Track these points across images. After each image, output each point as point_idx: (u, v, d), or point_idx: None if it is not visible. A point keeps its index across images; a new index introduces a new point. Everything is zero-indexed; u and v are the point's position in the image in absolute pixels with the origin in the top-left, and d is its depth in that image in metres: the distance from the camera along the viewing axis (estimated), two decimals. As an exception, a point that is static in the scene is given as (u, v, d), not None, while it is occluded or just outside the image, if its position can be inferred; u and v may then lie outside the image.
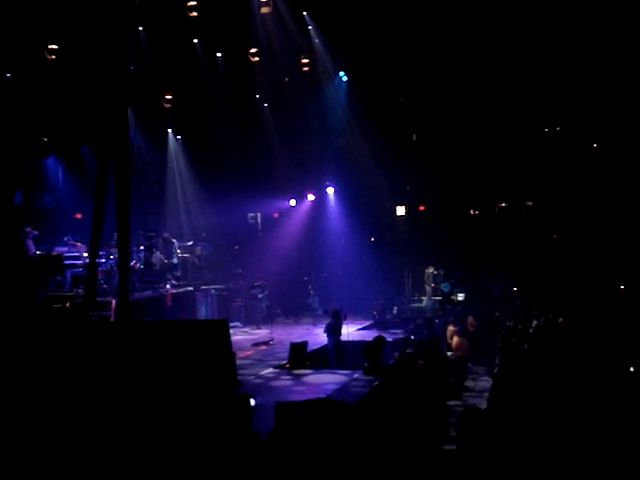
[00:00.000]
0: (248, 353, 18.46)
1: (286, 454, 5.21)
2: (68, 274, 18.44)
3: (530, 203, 28.43)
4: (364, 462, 4.86)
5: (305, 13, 23.77)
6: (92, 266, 14.33)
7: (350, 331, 18.81)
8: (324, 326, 17.90)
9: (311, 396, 12.83)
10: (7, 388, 7.54)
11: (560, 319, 16.42)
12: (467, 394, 13.95)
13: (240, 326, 23.03)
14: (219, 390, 8.07)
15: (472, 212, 29.22)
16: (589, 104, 24.74)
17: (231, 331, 10.89)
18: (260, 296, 23.67)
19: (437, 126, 26.74)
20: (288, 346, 16.97)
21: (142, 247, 21.17)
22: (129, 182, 13.61)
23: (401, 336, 18.82)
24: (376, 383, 13.13)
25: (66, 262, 18.27)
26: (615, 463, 5.52)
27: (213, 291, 22.98)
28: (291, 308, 26.15)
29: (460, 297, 25.15)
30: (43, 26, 19.21)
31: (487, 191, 28.36)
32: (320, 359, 17.07)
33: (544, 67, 23.67)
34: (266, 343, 19.89)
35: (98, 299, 15.60)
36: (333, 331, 17.35)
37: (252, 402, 7.93)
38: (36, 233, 18.67)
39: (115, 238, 16.19)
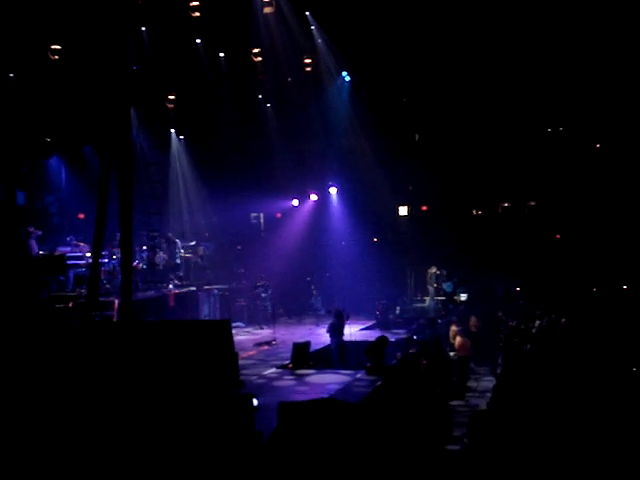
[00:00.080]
0: (251, 353, 18.47)
1: (289, 454, 5.21)
2: (71, 274, 18.46)
3: (533, 203, 28.41)
4: (367, 462, 4.86)
5: (308, 13, 23.77)
6: (95, 266, 14.35)
7: (353, 331, 18.81)
8: (327, 326, 17.89)
9: (314, 396, 12.83)
10: (10, 388, 7.55)
11: (563, 319, 16.40)
12: (470, 394, 13.93)
13: (243, 326, 23.04)
14: (222, 390, 8.07)
15: (475, 212, 29.20)
16: (592, 104, 24.72)
17: (234, 331, 10.89)
18: (263, 295, 23.66)
19: (439, 126, 26.72)
20: (291, 346, 16.97)
21: (145, 247, 21.19)
22: (132, 182, 13.62)
23: (404, 336, 18.81)
24: (379, 383, 13.11)
25: (69, 262, 18.29)
26: (618, 463, 5.52)
27: (216, 291, 23.00)
28: (294, 308, 26.16)
29: (463, 297, 25.12)
30: (46, 26, 19.22)
31: (490, 191, 28.34)
32: (323, 359, 17.07)
33: (547, 67, 23.65)
34: (269, 343, 19.89)
35: (101, 299, 15.60)
36: (336, 331, 17.35)
37: (255, 402, 7.93)
38: (39, 233, 18.69)
39: (118, 238, 16.23)
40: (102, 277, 18.31)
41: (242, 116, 26.27)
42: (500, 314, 18.23)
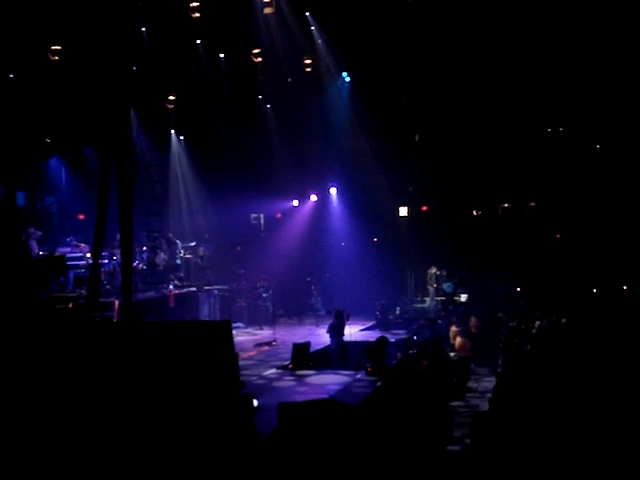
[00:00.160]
0: (251, 354, 18.47)
1: (288, 454, 5.21)
2: (71, 275, 18.45)
3: (533, 204, 28.42)
4: (367, 463, 4.86)
5: (308, 14, 23.77)
6: (95, 267, 14.35)
7: (353, 332, 18.81)
8: (327, 326, 17.89)
9: (314, 397, 12.84)
10: (10, 389, 7.55)
11: (563, 320, 16.39)
12: (470, 395, 13.93)
13: (243, 327, 23.03)
14: (222, 391, 8.07)
15: (475, 213, 29.21)
16: (592, 105, 24.72)
17: (234, 332, 10.89)
18: (264, 296, 23.61)
19: (440, 127, 26.72)
20: (291, 347, 16.97)
21: (145, 248, 21.19)
22: (132, 183, 13.61)
23: (404, 337, 18.82)
24: (379, 384, 13.12)
25: (69, 263, 18.27)
26: (618, 463, 5.52)
27: (216, 292, 22.98)
28: (294, 308, 26.16)
29: (463, 298, 25.13)
30: (46, 27, 19.23)
31: (490, 192, 28.36)
32: (323, 360, 17.07)
33: (547, 68, 23.65)
34: (269, 344, 19.89)
35: (101, 300, 15.58)
36: (336, 332, 17.35)
37: (255, 403, 7.93)
38: (39, 234, 18.68)
39: (118, 239, 16.21)
40: (102, 278, 18.30)
41: (242, 117, 26.27)
42: (500, 315, 18.23)
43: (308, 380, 15.41)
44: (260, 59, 23.90)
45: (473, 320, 16.62)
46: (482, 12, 22.45)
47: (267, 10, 22.02)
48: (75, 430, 7.09)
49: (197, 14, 20.43)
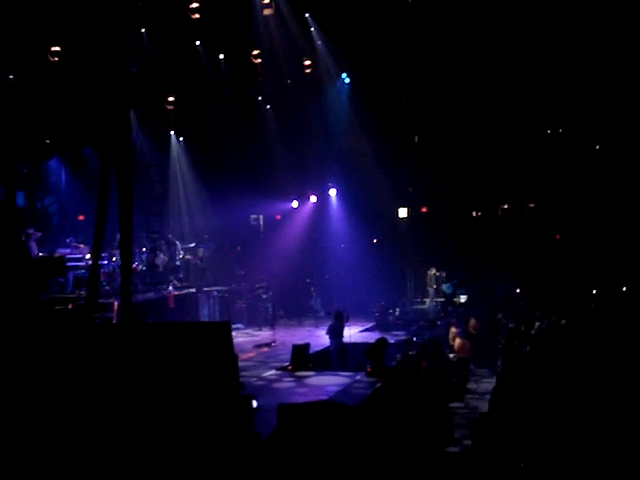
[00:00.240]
0: (250, 355, 18.47)
1: (288, 456, 5.20)
2: (70, 276, 18.46)
3: (532, 205, 28.43)
4: (367, 464, 4.86)
5: (307, 15, 23.78)
6: (94, 268, 14.33)
7: (352, 333, 18.81)
8: (326, 328, 17.88)
9: (313, 398, 12.84)
10: (9, 390, 7.54)
11: (563, 321, 16.39)
12: (469, 396, 13.93)
13: (242, 328, 23.03)
14: (221, 392, 8.07)
15: (474, 214, 29.20)
16: (591, 106, 24.73)
17: (233, 333, 10.89)
18: (264, 297, 23.56)
19: (439, 128, 26.72)
20: (290, 348, 16.97)
21: (144, 249, 21.19)
22: (132, 183, 13.62)
23: (403, 338, 18.81)
24: (378, 385, 13.11)
25: (69, 264, 18.28)
26: (617, 464, 5.52)
27: (215, 293, 22.97)
28: (293, 310, 26.16)
29: (462, 299, 25.13)
30: (46, 28, 19.23)
31: (489, 193, 28.36)
32: (322, 361, 17.07)
33: (546, 69, 23.66)
34: (268, 345, 19.89)
35: (100, 301, 15.58)
36: (335, 333, 17.34)
37: (254, 404, 7.92)
38: (39, 235, 18.69)
39: (118, 239, 16.21)
40: (102, 279, 18.31)
41: (242, 118, 26.27)
42: (500, 316, 18.21)
43: (308, 381, 15.42)
44: (260, 60, 23.91)
45: (472, 321, 16.63)
46: (482, 13, 22.46)
47: (267, 11, 22.04)
48: (75, 431, 7.09)
49: (197, 15, 20.45)
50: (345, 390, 14.35)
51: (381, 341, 16.09)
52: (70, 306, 16.27)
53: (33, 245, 17.95)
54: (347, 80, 26.64)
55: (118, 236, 15.50)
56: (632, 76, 22.62)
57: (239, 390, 10.95)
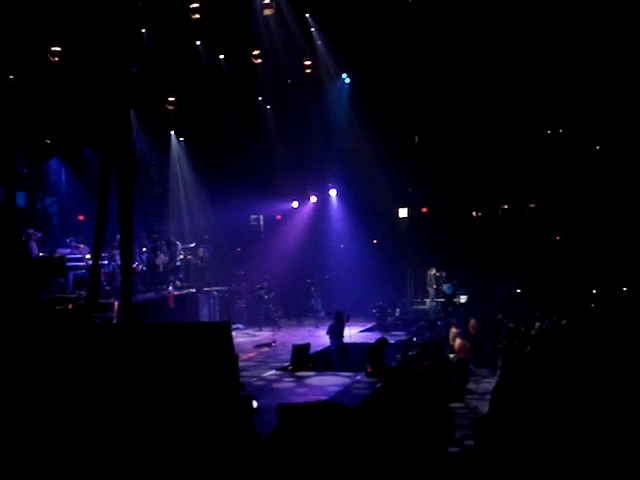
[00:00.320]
0: (250, 355, 18.47)
1: (287, 456, 5.20)
2: (71, 276, 18.46)
3: (532, 205, 28.42)
4: (367, 465, 4.86)
5: (308, 15, 23.79)
6: (95, 268, 14.33)
7: (352, 333, 18.82)
8: (326, 328, 17.88)
9: (313, 398, 12.84)
10: (9, 390, 7.54)
11: (564, 321, 16.39)
12: (469, 396, 13.92)
13: (242, 328, 23.04)
14: (221, 392, 8.06)
15: (474, 214, 29.20)
16: (592, 106, 24.72)
17: (233, 333, 10.89)
18: (266, 297, 23.48)
19: (439, 128, 26.72)
20: (290, 348, 16.96)
21: (144, 249, 21.20)
22: (132, 184, 13.61)
23: (403, 338, 18.81)
24: (378, 385, 13.11)
25: (69, 264, 18.28)
26: (618, 465, 5.51)
27: (215, 293, 22.98)
28: (293, 310, 26.16)
29: (462, 299, 25.13)
30: (46, 28, 19.23)
31: (489, 193, 28.35)
32: (322, 361, 17.07)
33: (547, 69, 23.66)
34: (268, 345, 19.88)
35: (101, 301, 15.58)
36: (335, 333, 17.34)
37: (254, 404, 7.92)
38: (39, 235, 18.68)
39: (118, 240, 16.20)
40: (102, 279, 18.31)
41: (242, 118, 26.28)
42: (500, 316, 18.21)
43: (308, 381, 15.41)
44: (260, 60, 23.91)
45: (472, 322, 16.64)
46: (482, 14, 22.45)
47: (267, 11, 22.04)
48: (75, 431, 7.09)
49: (197, 15, 20.45)
50: (345, 390, 14.34)
51: (381, 341, 16.09)
52: (70, 306, 16.27)
53: (33, 245, 17.94)
54: (347, 80, 26.67)
55: (118, 236, 15.50)
56: (632, 76, 22.61)
57: (239, 390, 10.94)
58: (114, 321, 16.28)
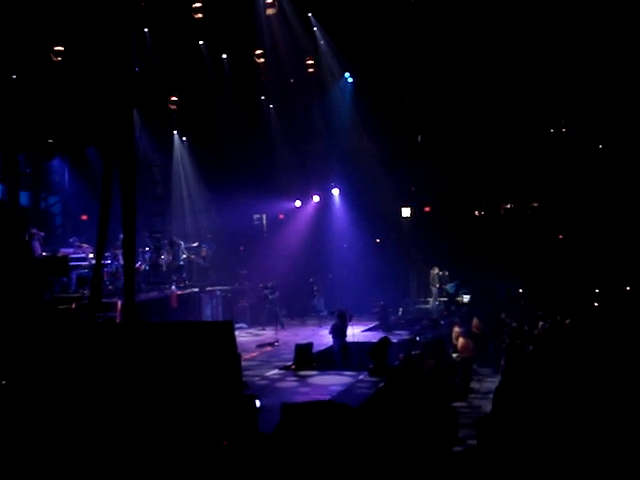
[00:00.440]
0: (253, 354, 18.46)
1: (289, 455, 5.20)
2: (74, 275, 18.49)
3: (536, 204, 28.38)
4: (371, 464, 4.86)
5: (310, 14, 23.77)
6: (98, 267, 14.36)
7: (355, 332, 18.80)
8: (329, 327, 17.88)
9: (316, 397, 12.84)
10: (14, 388, 7.56)
11: (567, 320, 16.37)
12: (472, 395, 13.90)
13: (245, 327, 23.02)
14: (224, 391, 8.07)
15: (477, 213, 29.17)
16: (595, 105, 24.69)
17: (236, 332, 10.89)
18: (271, 297, 23.37)
19: (442, 127, 26.69)
20: (293, 347, 16.96)
21: (147, 248, 21.22)
22: (134, 183, 13.63)
23: (406, 337, 18.80)
24: (381, 384, 13.11)
25: (72, 263, 18.32)
26: (621, 464, 5.50)
27: (218, 292, 22.98)
28: (296, 309, 26.14)
29: (465, 298, 25.10)
30: (48, 28, 19.25)
31: (492, 192, 28.31)
32: (325, 360, 17.06)
33: (550, 67, 23.63)
34: (271, 344, 19.87)
35: (103, 300, 15.62)
36: (338, 332, 17.34)
37: (257, 403, 7.92)
38: (42, 234, 18.74)
39: (121, 239, 16.23)
40: (105, 278, 18.35)
41: (245, 117, 26.27)
42: (503, 315, 18.21)
43: (311, 381, 15.40)
44: (263, 60, 23.91)
45: (475, 322, 16.62)
46: (485, 12, 22.43)
47: (269, 11, 22.02)
48: (79, 429, 7.10)
49: (200, 15, 20.42)
50: (348, 389, 14.33)
51: (384, 341, 16.09)
52: (73, 306, 16.28)
53: (36, 245, 17.99)
54: (350, 79, 26.65)
55: (121, 236, 15.53)
56: (635, 75, 22.57)
57: (242, 389, 10.97)
58: (117, 320, 16.30)
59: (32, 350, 8.29)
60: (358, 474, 4.86)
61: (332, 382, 15.09)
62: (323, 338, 19.11)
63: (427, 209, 28.85)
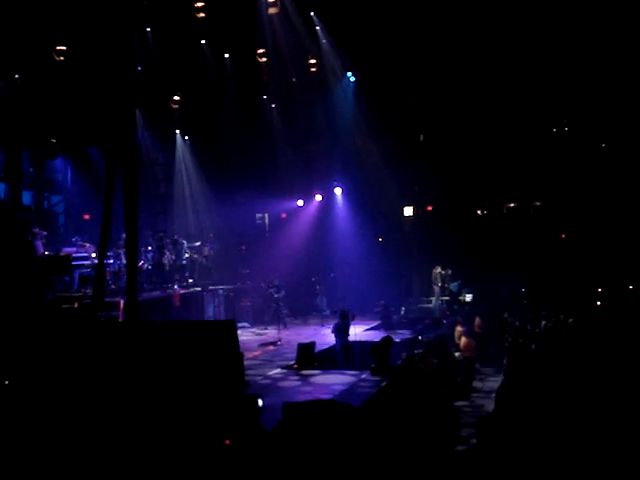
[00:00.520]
0: (256, 353, 18.47)
1: (288, 455, 5.19)
2: (76, 274, 18.51)
3: (538, 203, 28.35)
4: (373, 464, 4.85)
5: (312, 14, 23.75)
6: (100, 267, 14.36)
7: (358, 332, 18.81)
8: (332, 326, 17.90)
9: (318, 396, 12.85)
10: (16, 388, 7.57)
11: (570, 319, 16.36)
12: (475, 395, 13.92)
13: (248, 326, 23.05)
14: (227, 390, 8.07)
15: (480, 212, 29.15)
16: (598, 104, 24.65)
17: (239, 331, 10.89)
18: (276, 296, 23.32)
19: (445, 126, 26.67)
20: (296, 346, 16.97)
21: (150, 247, 21.24)
22: (137, 183, 13.62)
23: (409, 337, 18.80)
24: (384, 384, 13.10)
25: (74, 262, 18.33)
26: (624, 464, 5.50)
27: (221, 291, 23.00)
28: (299, 308, 26.14)
29: (468, 297, 25.08)
30: (51, 27, 19.26)
31: (495, 191, 28.30)
32: (328, 359, 17.08)
33: (552, 66, 23.60)
34: (274, 343, 19.89)
35: (106, 299, 15.63)
36: (341, 331, 17.35)
37: (260, 403, 7.92)
38: (44, 233, 18.76)
39: (123, 239, 16.24)
40: (107, 277, 18.35)
41: (247, 117, 26.27)
42: (505, 315, 18.20)
43: (313, 380, 15.42)
44: (265, 59, 23.90)
45: (477, 321, 16.63)
46: (487, 11, 22.40)
47: (272, 10, 22.04)
48: (81, 428, 7.11)
49: (202, 14, 20.42)
50: (350, 389, 14.35)
51: (386, 340, 16.09)
52: (76, 305, 16.32)
53: (39, 244, 18.01)
54: (352, 79, 26.64)
55: (124, 235, 15.54)
56: (638, 75, 22.54)
57: (244, 389, 10.97)
58: (120, 319, 16.32)
59: (35, 349, 8.30)
60: (360, 474, 4.85)
61: (334, 381, 15.10)
62: (325, 337, 19.12)
63: (429, 208, 28.85)
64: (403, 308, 25.17)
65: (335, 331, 17.44)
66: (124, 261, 17.43)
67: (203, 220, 26.87)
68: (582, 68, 23.38)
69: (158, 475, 6.70)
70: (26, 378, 7.73)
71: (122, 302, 16.54)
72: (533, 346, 14.68)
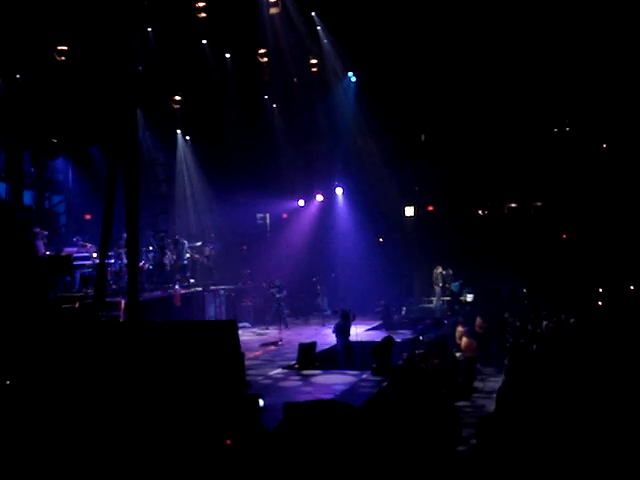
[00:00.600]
0: (257, 353, 18.47)
1: (289, 454, 5.19)
2: (77, 274, 18.51)
3: (539, 203, 28.34)
4: (373, 464, 4.85)
5: (314, 14, 23.75)
6: (101, 266, 14.36)
7: (359, 332, 18.81)
8: (333, 326, 17.89)
9: (319, 397, 12.84)
10: (17, 387, 7.57)
11: (571, 320, 16.35)
12: (476, 395, 13.91)
13: (249, 326, 23.04)
14: (228, 390, 8.07)
15: (481, 213, 29.14)
16: (599, 104, 24.64)
17: (240, 331, 10.90)
18: (278, 296, 23.26)
19: (446, 126, 26.67)
20: (297, 346, 16.97)
21: (151, 247, 21.24)
22: (138, 183, 13.63)
23: (410, 337, 18.80)
24: (385, 384, 13.10)
25: (75, 262, 18.33)
26: (624, 464, 5.50)
27: (222, 291, 22.99)
28: (300, 308, 26.14)
29: (469, 298, 25.07)
30: (52, 27, 19.26)
31: (496, 191, 28.29)
32: (329, 359, 17.07)
33: (553, 67, 23.59)
34: (275, 343, 19.88)
35: (107, 299, 15.62)
36: (342, 331, 17.34)
37: (261, 402, 7.92)
38: (45, 233, 18.76)
39: (124, 238, 16.25)
40: (108, 277, 18.34)
41: (248, 117, 26.28)
42: (506, 315, 18.19)
43: (314, 380, 15.41)
44: (266, 59, 23.88)
45: (479, 321, 16.62)
46: (489, 11, 22.40)
47: (273, 10, 22.02)
48: (83, 428, 7.11)
49: (203, 14, 20.42)
50: (351, 389, 14.35)
51: (387, 340, 16.08)
52: (77, 305, 16.31)
53: (40, 244, 18.01)
54: (353, 79, 26.64)
55: (125, 235, 15.54)
56: (638, 75, 22.53)
57: (245, 389, 10.97)
58: (121, 319, 16.32)
59: (36, 349, 8.30)
60: (361, 474, 4.85)
61: (335, 381, 15.10)
62: (326, 337, 19.11)
63: (430, 208, 28.84)
64: (404, 308, 25.16)
65: (336, 331, 17.44)
66: (125, 261, 17.44)
67: (204, 220, 26.87)
68: (583, 69, 23.37)
69: (160, 475, 6.71)
70: (27, 378, 7.73)
71: (123, 302, 16.54)
72: (534, 346, 14.67)
